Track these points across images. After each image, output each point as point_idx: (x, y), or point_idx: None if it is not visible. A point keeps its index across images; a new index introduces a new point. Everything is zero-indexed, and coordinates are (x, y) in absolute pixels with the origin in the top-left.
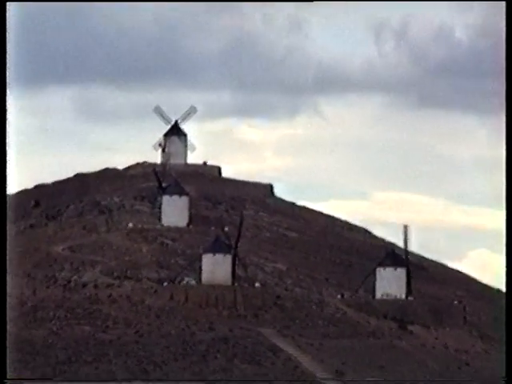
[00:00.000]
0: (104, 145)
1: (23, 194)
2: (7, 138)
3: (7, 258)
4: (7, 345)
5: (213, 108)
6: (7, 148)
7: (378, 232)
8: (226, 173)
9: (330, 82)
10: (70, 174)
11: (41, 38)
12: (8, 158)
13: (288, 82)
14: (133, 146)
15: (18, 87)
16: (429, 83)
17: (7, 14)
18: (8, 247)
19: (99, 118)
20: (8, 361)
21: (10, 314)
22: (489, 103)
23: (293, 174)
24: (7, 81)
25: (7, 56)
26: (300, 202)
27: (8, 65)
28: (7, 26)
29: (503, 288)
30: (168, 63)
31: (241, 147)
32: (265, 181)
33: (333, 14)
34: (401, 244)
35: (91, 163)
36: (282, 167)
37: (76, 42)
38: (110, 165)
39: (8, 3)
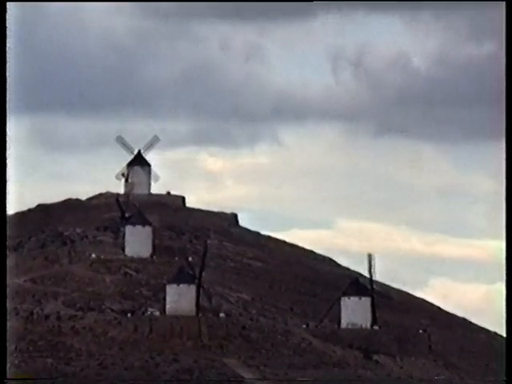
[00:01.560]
0: (64, 175)
1: None
2: None
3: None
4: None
5: (172, 137)
6: None
7: (343, 261)
8: (190, 203)
9: (289, 110)
10: (32, 205)
11: None
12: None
13: (247, 110)
14: (94, 176)
15: None
16: (387, 111)
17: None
18: None
19: (56, 148)
20: None
21: None
22: (447, 131)
23: (255, 203)
24: None
25: None
26: (264, 232)
27: None
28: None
29: (467, 317)
30: (124, 91)
31: (202, 176)
32: (228, 210)
33: (291, 41)
34: (365, 273)
35: (52, 194)
36: (244, 196)
37: (30, 69)
38: (72, 195)
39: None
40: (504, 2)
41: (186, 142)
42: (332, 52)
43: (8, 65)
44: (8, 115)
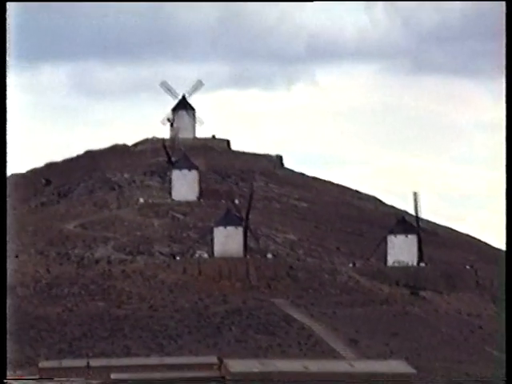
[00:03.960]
0: (108, 121)
1: (34, 172)
2: (7, 121)
3: (7, 256)
4: (7, 345)
5: (209, 80)
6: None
7: (387, 199)
8: (235, 146)
9: (324, 51)
10: (80, 152)
11: (35, 17)
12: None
13: (282, 52)
14: (139, 122)
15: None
16: (421, 48)
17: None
18: (20, 225)
19: (97, 95)
20: (25, 338)
21: (24, 292)
22: (483, 66)
23: (297, 144)
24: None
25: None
26: (308, 172)
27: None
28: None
29: None
30: (160, 37)
31: (244, 119)
32: (272, 152)
33: None
34: (411, 211)
35: (99, 140)
36: (286, 138)
37: (67, 19)
38: (119, 141)
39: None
40: (504, 2)
41: (225, 85)
42: None
43: (42, 15)
44: (45, 63)
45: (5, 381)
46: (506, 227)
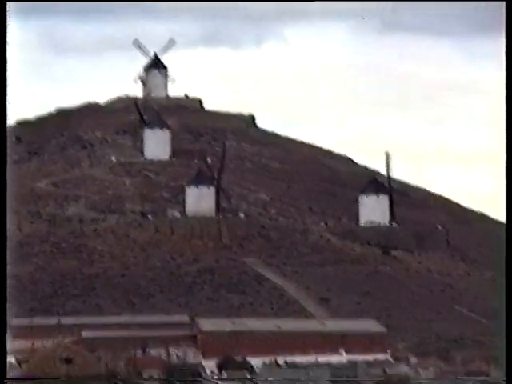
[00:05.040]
0: (79, 79)
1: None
2: None
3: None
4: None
5: (180, 39)
6: None
7: (360, 160)
8: (207, 105)
9: (294, 9)
10: (51, 110)
11: None
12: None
13: (251, 10)
14: (110, 80)
15: None
16: (393, 8)
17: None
18: None
19: (68, 52)
20: None
21: None
22: (455, 26)
23: (269, 103)
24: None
25: None
26: (280, 132)
27: None
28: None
29: (486, 212)
30: None
31: (216, 78)
32: (244, 111)
33: None
34: (383, 171)
35: (70, 98)
36: (258, 98)
37: None
38: (91, 99)
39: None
40: (504, 2)
41: (196, 44)
42: None
43: None
44: (12, 18)
45: (5, 381)
46: (506, 220)
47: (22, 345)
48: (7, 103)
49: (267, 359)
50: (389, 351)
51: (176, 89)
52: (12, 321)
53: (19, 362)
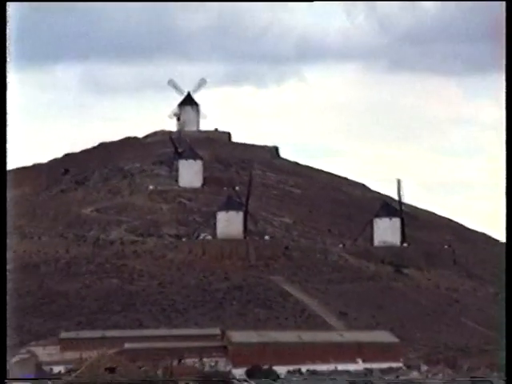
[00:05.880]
0: (121, 116)
1: (54, 162)
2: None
3: (6, 252)
4: (7, 345)
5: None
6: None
7: (373, 186)
8: (235, 137)
9: (311, 52)
10: (95, 144)
11: (47, 19)
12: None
13: (273, 53)
14: (147, 117)
15: (34, 64)
16: (398, 49)
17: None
18: (42, 210)
19: (109, 92)
20: (47, 312)
21: (46, 269)
22: (453, 65)
23: (290, 135)
24: (8, 62)
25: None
26: (301, 162)
27: (17, 47)
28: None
29: (488, 232)
30: (166, 40)
31: (243, 113)
32: (269, 143)
33: None
34: (394, 196)
35: (112, 133)
36: (280, 131)
37: (78, 21)
38: (130, 134)
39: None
40: (504, 2)
41: (224, 83)
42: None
43: (57, 17)
44: (59, 63)
45: (5, 381)
46: (506, 228)
47: (71, 356)
48: (7, 102)
49: (291, 367)
50: (401, 360)
51: (207, 123)
52: (61, 334)
53: (68, 371)
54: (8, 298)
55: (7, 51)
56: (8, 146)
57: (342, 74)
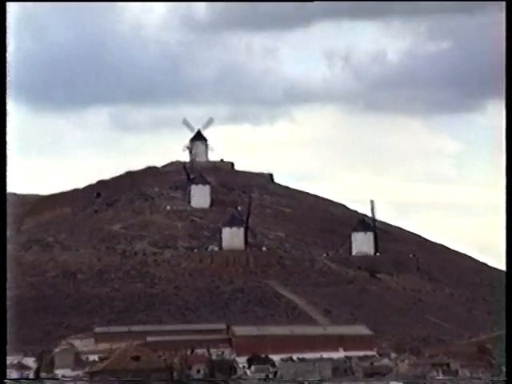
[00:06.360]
0: (143, 149)
1: (88, 188)
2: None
3: (6, 256)
4: (7, 346)
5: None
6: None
7: (351, 206)
8: (237, 166)
9: (299, 96)
10: (122, 172)
11: (78, 68)
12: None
13: (266, 96)
14: (165, 149)
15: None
16: (371, 93)
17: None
18: (79, 227)
19: (133, 130)
20: (83, 311)
21: (82, 276)
22: (419, 107)
23: (282, 165)
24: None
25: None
26: (292, 186)
27: (59, 92)
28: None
29: (445, 243)
30: (176, 86)
31: (242, 147)
32: (265, 171)
33: (296, 44)
34: (369, 214)
35: (136, 164)
36: (274, 161)
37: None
38: (151, 164)
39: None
40: (504, 2)
41: (226, 122)
42: (327, 51)
43: (87, 67)
44: (88, 105)
45: (5, 381)
46: (506, 239)
47: (103, 346)
48: (6, 101)
49: (284, 356)
50: (375, 349)
51: (214, 155)
52: (96, 329)
53: (101, 359)
54: (50, 299)
55: (7, 51)
56: (49, 174)
57: (324, 114)
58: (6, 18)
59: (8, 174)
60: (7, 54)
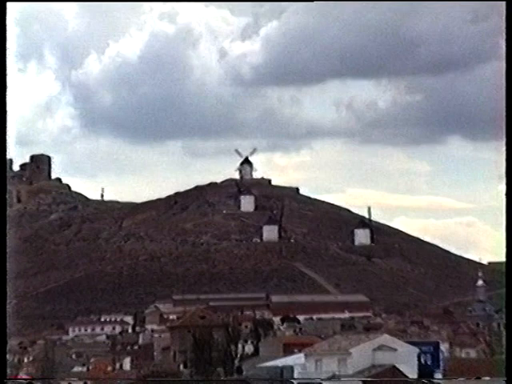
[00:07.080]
0: (207, 171)
1: (168, 197)
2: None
3: (7, 257)
4: (7, 346)
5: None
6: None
7: (355, 210)
8: (274, 182)
9: (315, 132)
10: (192, 186)
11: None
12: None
13: (293, 133)
14: (222, 170)
15: (153, 140)
16: (366, 131)
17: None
18: (161, 226)
19: (200, 157)
20: (166, 284)
21: (164, 260)
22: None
23: (305, 181)
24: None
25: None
26: (312, 196)
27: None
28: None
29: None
30: (228, 125)
31: (276, 168)
32: (293, 185)
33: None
34: (367, 216)
35: (203, 180)
36: (299, 178)
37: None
38: (213, 181)
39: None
40: (504, 2)
41: (265, 150)
42: (335, 100)
43: (166, 112)
44: (168, 138)
45: (5, 381)
46: (506, 239)
47: (179, 309)
48: (6, 102)
49: (307, 316)
50: (370, 311)
51: (257, 174)
52: (174, 297)
53: (178, 318)
54: (141, 276)
55: (7, 51)
56: (141, 188)
57: (333, 146)
58: (6, 18)
59: (111, 188)
60: (7, 54)
